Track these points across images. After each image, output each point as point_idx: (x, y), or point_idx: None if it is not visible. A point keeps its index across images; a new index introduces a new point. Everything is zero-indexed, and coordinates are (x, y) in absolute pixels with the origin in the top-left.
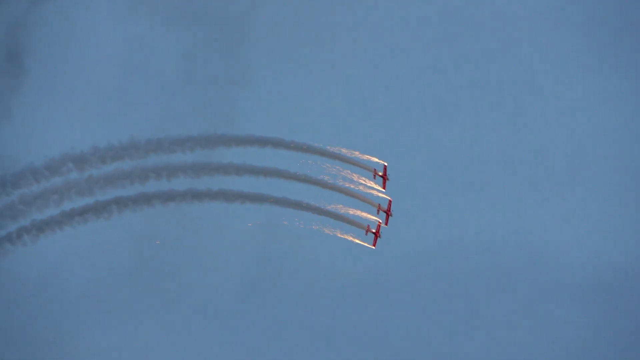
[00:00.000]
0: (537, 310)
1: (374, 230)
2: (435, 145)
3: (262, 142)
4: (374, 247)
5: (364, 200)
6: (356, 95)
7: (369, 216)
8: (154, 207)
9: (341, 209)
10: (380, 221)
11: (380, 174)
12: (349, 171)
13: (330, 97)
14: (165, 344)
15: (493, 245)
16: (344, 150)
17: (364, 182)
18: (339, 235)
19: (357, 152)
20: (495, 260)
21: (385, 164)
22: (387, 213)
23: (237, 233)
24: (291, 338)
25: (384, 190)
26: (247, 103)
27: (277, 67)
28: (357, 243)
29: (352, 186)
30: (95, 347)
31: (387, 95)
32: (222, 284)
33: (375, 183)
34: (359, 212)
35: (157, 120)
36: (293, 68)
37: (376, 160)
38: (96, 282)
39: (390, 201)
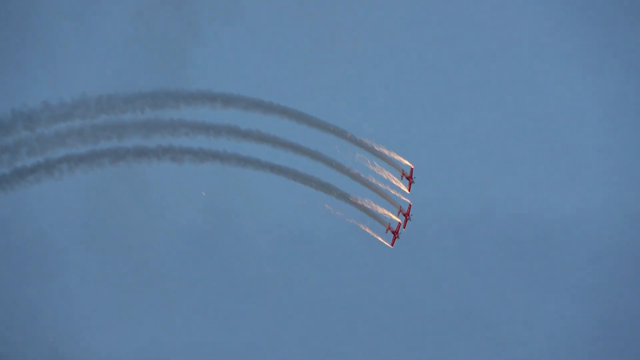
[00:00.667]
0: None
1: (394, 232)
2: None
3: (212, 97)
4: (391, 247)
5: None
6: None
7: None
8: (104, 166)
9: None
10: (399, 225)
11: (408, 176)
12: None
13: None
14: (112, 299)
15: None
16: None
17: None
18: (361, 227)
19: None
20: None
21: (412, 166)
22: (407, 216)
23: (188, 191)
24: (238, 294)
25: (409, 192)
26: (199, 59)
27: (228, 23)
28: (375, 238)
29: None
30: (41, 304)
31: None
32: (170, 242)
33: (402, 183)
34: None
35: (109, 78)
36: (243, 24)
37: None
38: (46, 237)
39: (410, 205)
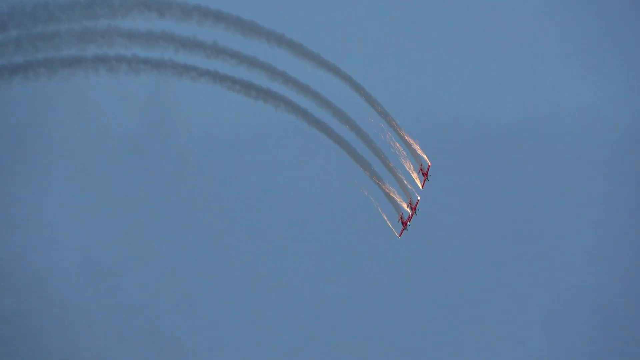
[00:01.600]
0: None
1: (404, 222)
2: None
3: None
4: (399, 237)
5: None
6: None
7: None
8: (40, 77)
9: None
10: (409, 217)
11: (425, 172)
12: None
13: None
14: (56, 198)
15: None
16: None
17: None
18: (379, 210)
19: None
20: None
21: (430, 163)
22: (414, 210)
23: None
24: (169, 191)
25: (422, 187)
26: None
27: None
28: (387, 224)
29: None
30: None
31: None
32: (107, 147)
33: (417, 178)
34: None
35: None
36: None
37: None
38: None
39: (418, 200)
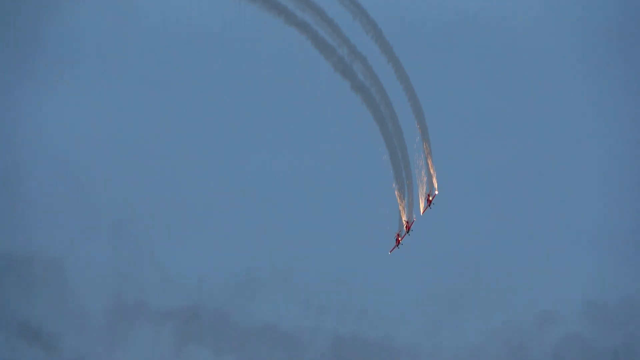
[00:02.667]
0: None
1: (397, 239)
2: None
3: None
4: (389, 253)
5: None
6: None
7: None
8: None
9: None
10: (403, 236)
11: (431, 198)
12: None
13: None
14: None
15: None
16: None
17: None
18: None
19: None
20: None
21: (437, 192)
22: (407, 231)
23: None
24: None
25: (422, 213)
26: None
27: None
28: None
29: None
30: None
31: None
32: None
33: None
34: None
35: None
36: None
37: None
38: None
39: (414, 221)
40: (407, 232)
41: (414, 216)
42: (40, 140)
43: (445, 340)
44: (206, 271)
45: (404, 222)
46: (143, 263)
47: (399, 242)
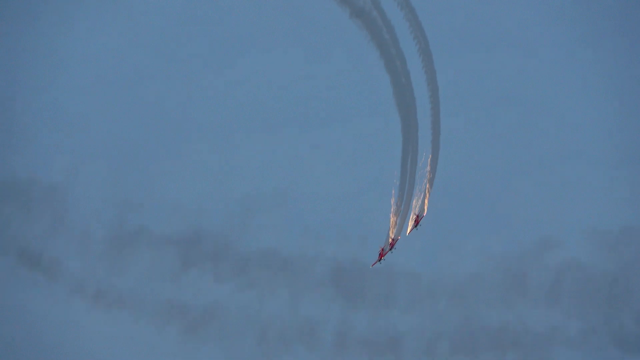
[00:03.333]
0: None
1: (381, 253)
2: None
3: None
4: (371, 267)
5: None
6: None
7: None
8: None
9: None
10: (386, 251)
11: (418, 219)
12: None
13: None
14: None
15: None
16: None
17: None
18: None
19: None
20: None
21: (424, 214)
22: (390, 248)
23: None
24: None
25: (408, 233)
26: None
27: None
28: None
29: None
30: None
31: None
32: None
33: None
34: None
35: None
36: None
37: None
38: None
39: (398, 240)
40: (391, 249)
41: (399, 236)
42: (41, 67)
43: (445, 267)
44: (206, 197)
45: (390, 239)
46: (143, 189)
47: (382, 257)
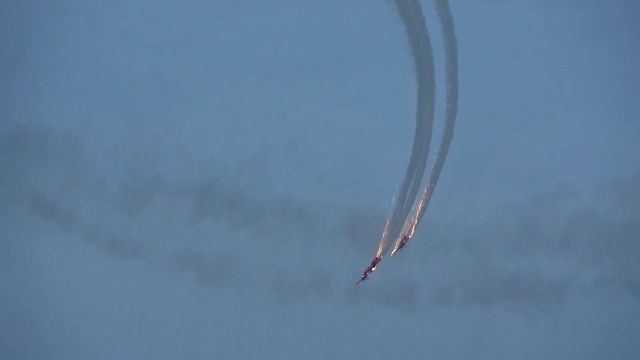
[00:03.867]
0: None
1: (366, 272)
2: None
3: None
4: (354, 284)
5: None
6: None
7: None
8: None
9: None
10: (370, 270)
11: (403, 241)
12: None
13: None
14: None
15: None
16: None
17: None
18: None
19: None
20: None
21: (411, 236)
22: (372, 267)
23: None
24: None
25: (392, 254)
26: None
27: None
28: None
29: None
30: None
31: None
32: None
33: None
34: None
35: None
36: None
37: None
38: None
39: (381, 259)
40: (372, 269)
41: (382, 255)
42: (56, 10)
43: (459, 216)
44: (220, 146)
45: (376, 256)
46: (158, 137)
47: (366, 276)
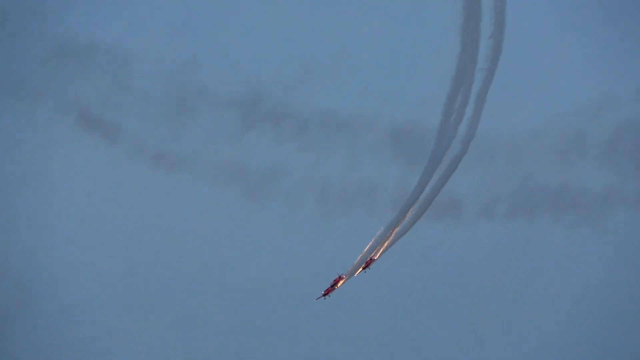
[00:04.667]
0: None
1: (329, 288)
2: None
3: None
4: (315, 299)
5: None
6: None
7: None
8: None
9: None
10: (330, 288)
11: (368, 261)
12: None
13: None
14: None
15: None
16: None
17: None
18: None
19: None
20: None
21: (376, 258)
22: (335, 286)
23: None
24: None
25: (356, 274)
26: None
27: None
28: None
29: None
30: None
31: None
32: None
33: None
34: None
35: None
36: None
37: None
38: None
39: (343, 279)
40: (335, 288)
41: (345, 275)
42: None
43: (503, 127)
44: (266, 58)
45: (339, 276)
46: (204, 50)
47: (328, 293)
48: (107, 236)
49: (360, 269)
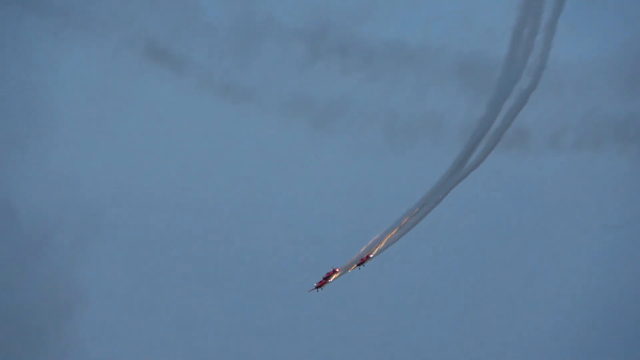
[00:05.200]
0: None
1: (322, 281)
2: None
3: None
4: (307, 291)
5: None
6: None
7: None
8: None
9: None
10: (324, 281)
11: (364, 259)
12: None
13: None
14: None
15: None
16: None
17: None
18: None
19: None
20: None
21: (372, 255)
22: (327, 279)
23: None
24: None
25: (350, 270)
26: None
27: None
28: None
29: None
30: None
31: None
32: None
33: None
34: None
35: None
36: None
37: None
38: None
39: (336, 273)
40: (326, 281)
41: (339, 270)
42: None
43: (570, 58)
44: None
45: (333, 270)
46: None
47: (321, 286)
48: (174, 167)
49: (355, 266)
